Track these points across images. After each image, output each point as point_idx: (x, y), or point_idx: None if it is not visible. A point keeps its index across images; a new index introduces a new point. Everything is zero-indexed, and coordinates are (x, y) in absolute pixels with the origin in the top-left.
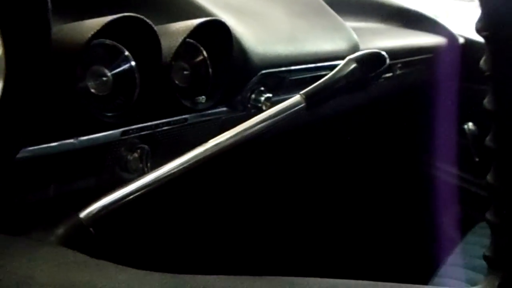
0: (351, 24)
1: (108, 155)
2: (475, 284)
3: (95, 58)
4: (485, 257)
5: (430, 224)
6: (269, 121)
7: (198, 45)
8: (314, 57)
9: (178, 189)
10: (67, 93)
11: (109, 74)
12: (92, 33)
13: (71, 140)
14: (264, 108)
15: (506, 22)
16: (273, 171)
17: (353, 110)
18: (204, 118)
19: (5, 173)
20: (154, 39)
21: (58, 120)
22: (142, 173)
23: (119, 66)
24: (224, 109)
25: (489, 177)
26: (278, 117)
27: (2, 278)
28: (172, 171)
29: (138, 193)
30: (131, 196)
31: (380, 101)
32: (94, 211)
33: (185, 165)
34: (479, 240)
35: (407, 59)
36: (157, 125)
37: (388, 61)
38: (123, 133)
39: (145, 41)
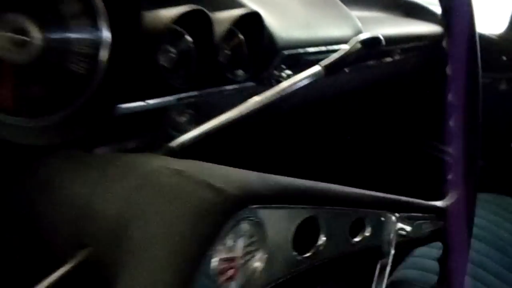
0: (356, 13)
1: (165, 117)
2: None
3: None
4: None
5: None
6: (294, 86)
7: (237, 30)
8: (326, 41)
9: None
10: (150, 65)
11: (174, 51)
12: (171, 20)
13: (143, 103)
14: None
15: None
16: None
17: (360, 91)
18: (237, 89)
19: (104, 125)
20: (208, 25)
21: (139, 85)
22: None
23: (182, 46)
24: (253, 84)
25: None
26: (302, 82)
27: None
28: (227, 120)
29: (211, 131)
30: (204, 134)
31: (383, 84)
32: (181, 142)
33: (234, 117)
34: None
35: (405, 45)
36: (202, 94)
37: (383, 42)
38: (179, 99)
39: (202, 27)
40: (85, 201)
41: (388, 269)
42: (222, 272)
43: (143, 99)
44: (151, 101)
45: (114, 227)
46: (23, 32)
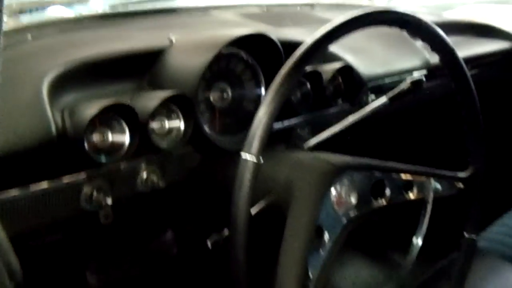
0: None
1: (294, 131)
2: None
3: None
4: None
5: None
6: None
7: (337, 74)
8: (399, 72)
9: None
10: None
11: (299, 92)
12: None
13: (282, 124)
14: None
15: None
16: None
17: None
18: (339, 111)
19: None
20: (319, 76)
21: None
22: None
23: (303, 89)
24: (350, 107)
25: None
26: (374, 108)
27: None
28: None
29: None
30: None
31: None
32: (313, 144)
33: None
34: None
35: (477, 62)
36: (317, 115)
37: (424, 82)
38: (304, 120)
39: (316, 77)
40: (268, 172)
41: (427, 216)
42: (336, 202)
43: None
44: (286, 121)
45: (285, 185)
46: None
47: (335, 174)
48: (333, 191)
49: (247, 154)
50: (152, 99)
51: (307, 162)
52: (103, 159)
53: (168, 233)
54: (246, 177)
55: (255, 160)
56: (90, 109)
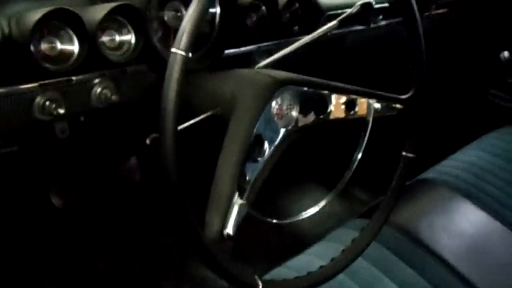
0: None
1: (251, 57)
2: None
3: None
4: None
5: None
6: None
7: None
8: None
9: None
10: (243, 26)
11: (255, 16)
12: None
13: (237, 49)
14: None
15: None
16: None
17: None
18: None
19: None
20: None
21: (235, 38)
22: None
23: (259, 13)
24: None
25: None
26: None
27: None
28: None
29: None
30: None
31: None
32: (263, 65)
33: None
34: None
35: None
36: (273, 43)
37: (373, 6)
38: (258, 47)
39: (271, 1)
40: (216, 88)
41: (367, 135)
42: (276, 113)
43: (238, 47)
44: (242, 48)
45: (230, 98)
46: None
47: (276, 87)
48: (274, 104)
49: (177, 49)
50: (100, 10)
51: (250, 77)
52: (51, 67)
53: (132, 159)
54: (175, 69)
55: (184, 54)
56: (35, 15)
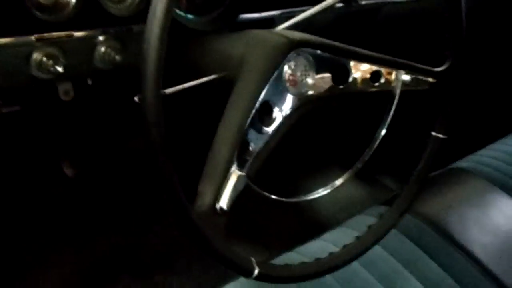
0: None
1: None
2: None
3: None
4: None
5: None
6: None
7: None
8: None
9: None
10: None
11: None
12: None
13: (258, 14)
14: None
15: None
16: None
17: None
18: None
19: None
20: None
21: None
22: None
23: None
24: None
25: None
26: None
27: None
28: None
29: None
30: None
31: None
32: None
33: None
34: None
35: None
36: None
37: None
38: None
39: None
40: (225, 50)
41: (393, 109)
42: (289, 79)
43: (258, 12)
44: (263, 14)
45: (239, 61)
46: None
47: (290, 48)
48: (286, 68)
49: None
50: None
51: (261, 37)
52: (44, 16)
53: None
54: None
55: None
56: None
